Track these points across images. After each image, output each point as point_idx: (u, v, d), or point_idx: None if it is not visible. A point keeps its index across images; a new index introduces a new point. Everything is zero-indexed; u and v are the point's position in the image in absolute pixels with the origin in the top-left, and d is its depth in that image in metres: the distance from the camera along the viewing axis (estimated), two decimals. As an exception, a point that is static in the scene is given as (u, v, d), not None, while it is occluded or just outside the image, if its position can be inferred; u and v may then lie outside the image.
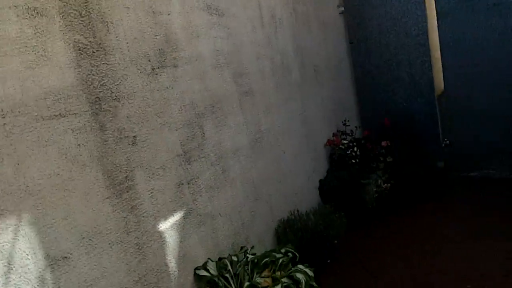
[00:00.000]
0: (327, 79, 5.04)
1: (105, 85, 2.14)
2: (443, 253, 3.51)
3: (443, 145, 5.54)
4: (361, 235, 4.05)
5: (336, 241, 3.44)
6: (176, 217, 2.48)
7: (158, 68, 2.50)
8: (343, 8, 5.66)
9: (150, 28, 2.48)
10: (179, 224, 2.49)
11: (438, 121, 5.53)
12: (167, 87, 2.54)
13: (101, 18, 2.16)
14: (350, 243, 3.85)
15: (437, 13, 5.33)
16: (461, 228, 3.87)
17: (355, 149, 4.73)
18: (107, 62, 2.16)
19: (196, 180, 2.69)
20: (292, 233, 3.36)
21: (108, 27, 2.19)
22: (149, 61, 2.44)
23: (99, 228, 2.01)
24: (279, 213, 3.60)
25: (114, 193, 2.10)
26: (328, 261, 3.52)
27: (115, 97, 2.18)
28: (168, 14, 2.65)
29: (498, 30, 5.04)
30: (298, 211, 3.66)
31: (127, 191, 2.18)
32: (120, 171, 2.15)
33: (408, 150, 5.25)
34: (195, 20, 2.89)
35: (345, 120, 5.04)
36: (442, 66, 5.48)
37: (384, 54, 5.63)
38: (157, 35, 2.52)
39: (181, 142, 2.59)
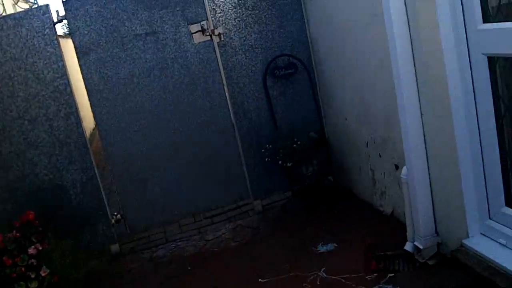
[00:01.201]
0: None
1: None
2: None
3: (113, 221, 4.63)
4: None
5: None
6: None
7: None
8: None
9: None
10: None
11: (101, 192, 4.56)
12: None
13: None
14: None
15: (76, 49, 4.36)
16: None
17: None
18: None
19: None
20: None
21: None
22: None
23: None
24: None
25: None
26: None
27: None
28: None
29: (157, 64, 4.47)
30: None
31: None
32: None
33: (70, 243, 4.12)
34: None
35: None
36: (94, 117, 4.55)
37: (10, 109, 4.22)
38: None
39: None
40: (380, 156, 3.84)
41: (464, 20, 2.72)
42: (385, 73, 3.37)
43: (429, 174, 3.14)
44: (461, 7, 2.72)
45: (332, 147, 4.71)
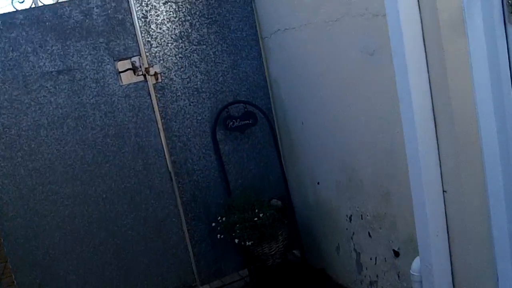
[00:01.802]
0: None
1: None
2: None
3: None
4: None
5: None
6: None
7: None
8: None
9: None
10: None
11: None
12: None
13: None
14: None
15: (-42, 92, 3.25)
16: None
17: None
18: None
19: None
20: None
21: None
22: None
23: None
24: None
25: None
26: None
27: None
28: None
29: (72, 111, 3.40)
30: None
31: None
32: None
33: None
34: None
35: None
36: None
37: None
38: None
39: None
40: (370, 236, 2.92)
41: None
42: (381, 130, 2.51)
43: (452, 273, 2.26)
44: (507, 53, 1.88)
45: (299, 216, 3.76)
